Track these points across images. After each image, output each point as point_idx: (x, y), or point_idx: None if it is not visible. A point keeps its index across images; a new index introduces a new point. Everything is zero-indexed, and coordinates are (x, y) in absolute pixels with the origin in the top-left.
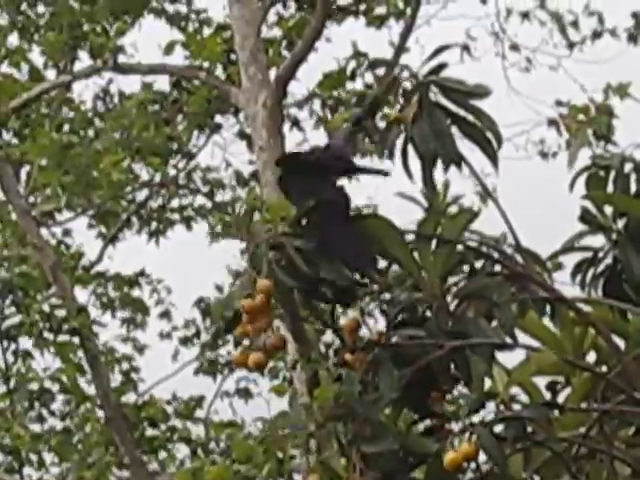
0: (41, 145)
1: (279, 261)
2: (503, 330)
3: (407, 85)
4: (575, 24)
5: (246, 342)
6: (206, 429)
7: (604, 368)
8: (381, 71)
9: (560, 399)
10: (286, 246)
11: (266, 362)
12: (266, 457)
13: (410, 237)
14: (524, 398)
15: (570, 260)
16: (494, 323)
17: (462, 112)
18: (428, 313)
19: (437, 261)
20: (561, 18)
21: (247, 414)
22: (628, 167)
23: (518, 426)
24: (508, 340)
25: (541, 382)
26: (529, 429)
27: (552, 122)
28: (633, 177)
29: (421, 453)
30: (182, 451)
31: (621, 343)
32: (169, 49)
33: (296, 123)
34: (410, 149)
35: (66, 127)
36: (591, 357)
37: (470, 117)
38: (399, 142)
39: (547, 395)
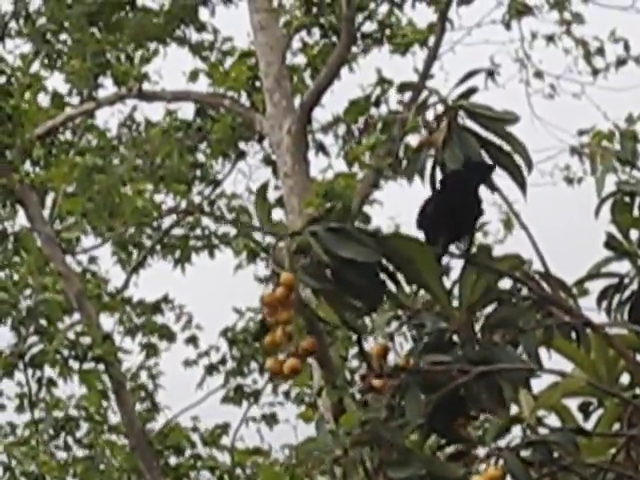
0: (64, 172)
1: (305, 267)
2: (528, 357)
3: (435, 110)
4: (601, 51)
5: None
6: (232, 456)
7: (637, 391)
8: (406, 96)
9: (592, 420)
10: (309, 235)
11: (301, 367)
12: None
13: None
14: (551, 422)
15: (596, 286)
16: (519, 349)
17: (491, 137)
18: (455, 338)
19: (467, 290)
20: (587, 44)
21: (274, 440)
22: None
23: (544, 450)
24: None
25: (573, 403)
26: (556, 454)
27: (574, 150)
28: None
29: (448, 479)
30: (207, 479)
31: None
32: (193, 76)
33: (322, 148)
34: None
35: (90, 154)
36: (625, 379)
37: (499, 142)
38: (428, 166)
39: (579, 416)
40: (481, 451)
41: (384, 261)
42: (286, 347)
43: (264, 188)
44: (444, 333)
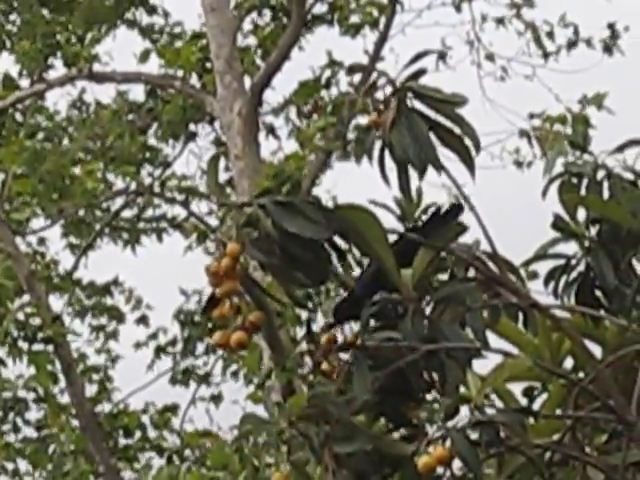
0: (14, 152)
1: (253, 240)
2: (475, 336)
3: (384, 92)
4: (551, 34)
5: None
6: (181, 438)
7: (581, 374)
8: (357, 78)
9: (537, 405)
10: (256, 207)
11: (248, 341)
12: (242, 464)
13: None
14: (499, 404)
15: (543, 268)
16: (467, 330)
17: (440, 119)
18: (404, 316)
19: (416, 264)
20: (537, 28)
21: (223, 420)
22: (600, 174)
23: (492, 431)
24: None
25: (517, 388)
26: (503, 434)
27: (524, 133)
28: (605, 185)
29: (395, 456)
30: (158, 460)
31: (597, 350)
32: (144, 57)
33: (272, 131)
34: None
35: (40, 135)
36: (568, 363)
37: (448, 123)
38: (376, 148)
39: (523, 401)
40: (430, 431)
41: (332, 236)
42: (234, 321)
43: (216, 159)
44: (392, 309)
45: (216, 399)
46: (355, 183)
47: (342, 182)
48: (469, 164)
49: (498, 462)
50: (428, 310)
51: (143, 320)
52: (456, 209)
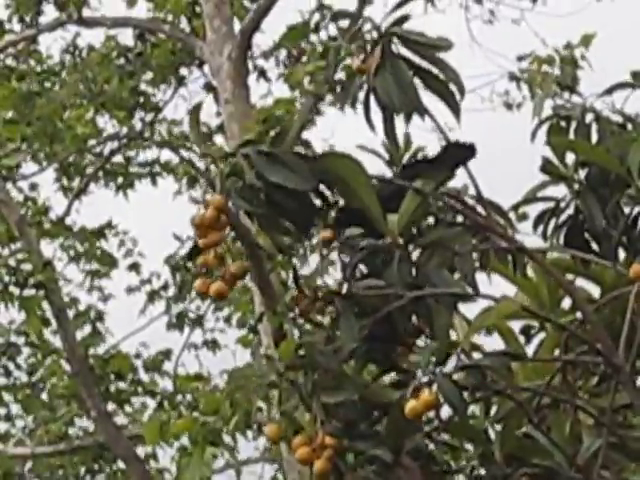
0: (4, 96)
1: (239, 190)
2: (465, 280)
3: (370, 37)
4: None
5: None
6: (174, 382)
7: (579, 314)
8: (344, 23)
9: (534, 344)
10: (239, 157)
11: (227, 291)
12: (233, 410)
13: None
14: (497, 344)
15: (533, 211)
16: (457, 275)
17: (425, 64)
18: (390, 262)
19: (403, 210)
20: None
21: (214, 366)
22: (589, 117)
23: (478, 375)
24: (470, 290)
25: (517, 327)
26: (490, 378)
27: (513, 77)
28: (594, 127)
29: (382, 403)
30: (151, 404)
31: (595, 290)
32: (132, 2)
33: (262, 73)
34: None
35: (29, 79)
36: (567, 303)
37: (433, 69)
38: (361, 93)
39: (521, 339)
40: (419, 376)
41: (315, 186)
42: (218, 269)
43: (197, 109)
44: (378, 256)
45: (212, 345)
46: (353, 131)
47: (340, 130)
48: (454, 108)
49: (485, 405)
50: (415, 256)
51: (135, 267)
52: (453, 155)
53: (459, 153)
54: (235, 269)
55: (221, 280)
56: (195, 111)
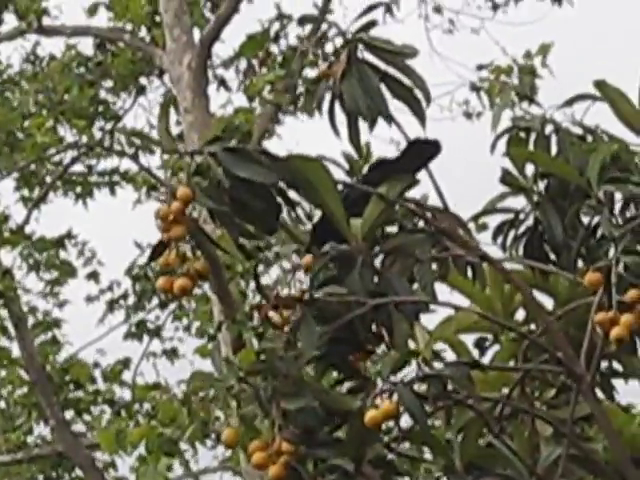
0: None
1: (203, 188)
2: (423, 289)
3: (334, 43)
4: None
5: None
6: (132, 392)
7: (533, 326)
8: (306, 30)
9: (489, 356)
10: (206, 155)
11: (191, 288)
12: (190, 418)
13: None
14: (449, 357)
15: (493, 222)
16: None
17: (391, 70)
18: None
19: (366, 215)
20: None
21: (172, 376)
22: (549, 129)
23: (439, 384)
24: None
25: (470, 339)
26: (450, 387)
27: (474, 87)
28: (554, 139)
29: (342, 410)
30: (109, 412)
31: (548, 302)
32: (92, 11)
33: (222, 83)
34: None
35: None
36: (520, 315)
37: (399, 75)
38: (327, 99)
39: (475, 352)
40: (379, 385)
41: (282, 185)
42: (180, 268)
43: (167, 105)
44: (341, 263)
45: (170, 354)
46: (318, 141)
47: (304, 141)
48: (420, 115)
49: (446, 415)
50: (377, 262)
51: (94, 276)
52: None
53: (424, 150)
54: (200, 266)
55: (185, 277)
56: (165, 106)
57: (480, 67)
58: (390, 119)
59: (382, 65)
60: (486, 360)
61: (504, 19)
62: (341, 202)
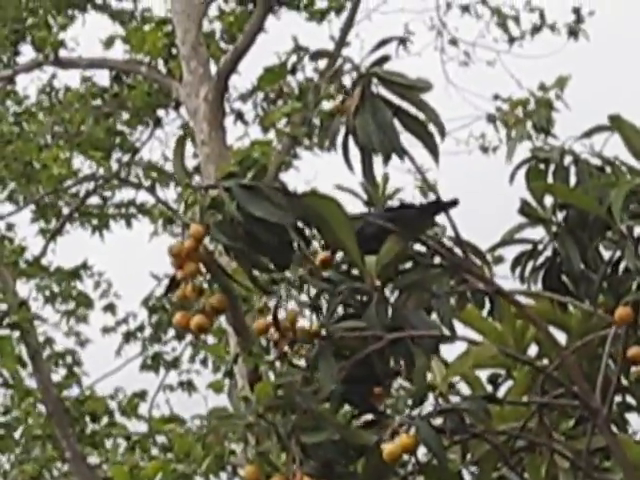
0: None
1: (218, 223)
2: (442, 322)
3: (349, 78)
4: (516, 19)
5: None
6: (149, 424)
7: (545, 361)
8: (322, 64)
9: (502, 392)
10: (221, 190)
11: (209, 325)
12: (205, 452)
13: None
14: (464, 391)
15: (510, 253)
16: (433, 316)
17: (404, 105)
18: (368, 304)
19: (383, 252)
20: (501, 12)
21: (187, 410)
22: (567, 160)
23: (456, 418)
24: (447, 332)
25: (483, 375)
26: (467, 421)
27: (491, 118)
28: (572, 170)
29: (360, 445)
30: (124, 444)
31: (562, 336)
32: (109, 43)
33: (240, 116)
34: (351, 141)
35: (9, 120)
36: (533, 350)
37: (412, 110)
38: (340, 134)
39: (489, 388)
40: (396, 419)
41: (297, 222)
42: (196, 302)
43: (182, 140)
44: (357, 298)
45: (186, 386)
46: (336, 173)
47: (323, 173)
48: (433, 150)
49: (462, 449)
50: (393, 298)
51: (110, 308)
52: (436, 206)
53: (442, 207)
54: (216, 301)
55: (202, 314)
56: (180, 142)
57: (496, 97)
58: (403, 155)
59: (396, 99)
60: (499, 395)
61: (520, 52)
62: (355, 240)
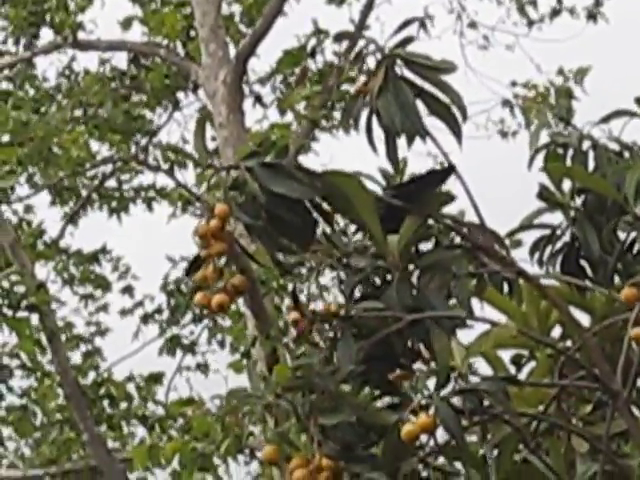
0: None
1: (240, 203)
2: (460, 304)
3: (372, 59)
4: (534, 3)
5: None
6: (165, 407)
7: (569, 343)
8: (342, 47)
9: (524, 373)
10: (242, 170)
11: (229, 303)
12: (224, 433)
13: None
14: (484, 372)
15: (529, 238)
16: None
17: (427, 86)
18: (389, 283)
19: (403, 231)
20: None
21: (206, 390)
22: (586, 145)
23: (475, 399)
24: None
25: (506, 356)
26: (487, 402)
27: (507, 103)
28: (591, 155)
29: (379, 425)
30: (141, 428)
31: (584, 319)
32: (127, 24)
33: (259, 99)
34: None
35: (27, 106)
36: (557, 332)
37: (435, 91)
38: (363, 115)
39: (512, 369)
40: (415, 399)
41: (318, 199)
42: (216, 283)
43: (203, 120)
44: (377, 277)
45: (202, 368)
46: (353, 157)
47: (339, 157)
48: (456, 131)
49: (482, 430)
50: (414, 278)
51: (128, 290)
52: (442, 172)
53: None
54: (237, 281)
55: (222, 292)
56: (201, 122)
57: (514, 84)
58: (425, 136)
59: (419, 81)
60: (522, 376)
61: (539, 36)
62: (378, 218)
